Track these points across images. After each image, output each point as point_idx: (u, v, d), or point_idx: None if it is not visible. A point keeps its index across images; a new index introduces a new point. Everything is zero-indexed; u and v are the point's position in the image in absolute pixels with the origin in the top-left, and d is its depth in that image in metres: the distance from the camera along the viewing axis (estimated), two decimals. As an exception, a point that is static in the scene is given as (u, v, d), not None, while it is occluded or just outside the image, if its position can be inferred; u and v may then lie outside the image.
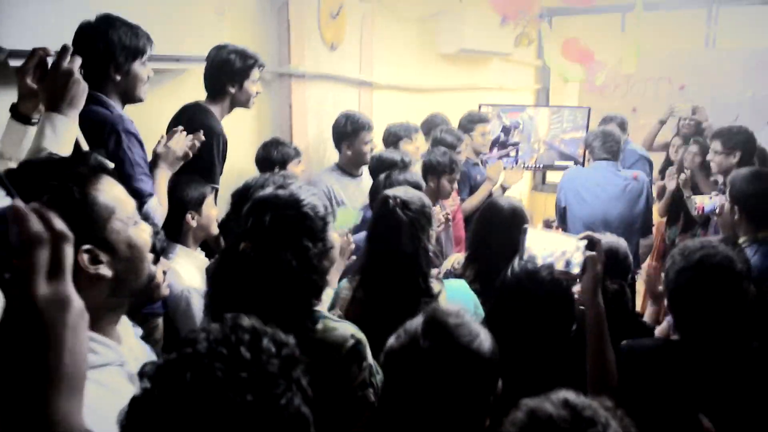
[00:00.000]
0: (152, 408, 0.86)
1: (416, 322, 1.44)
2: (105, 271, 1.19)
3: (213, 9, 3.48)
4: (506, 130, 5.95)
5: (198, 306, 2.51)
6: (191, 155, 2.67)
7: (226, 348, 0.89)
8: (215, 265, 1.75)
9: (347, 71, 4.60)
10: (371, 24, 4.81)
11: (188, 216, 2.68)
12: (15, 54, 2.63)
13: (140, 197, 2.31)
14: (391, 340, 1.46)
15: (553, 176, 7.03)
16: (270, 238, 1.63)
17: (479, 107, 5.70)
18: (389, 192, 2.24)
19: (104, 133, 2.28)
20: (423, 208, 2.20)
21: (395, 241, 2.13)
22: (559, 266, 1.91)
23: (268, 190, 1.76)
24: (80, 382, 0.78)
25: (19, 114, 1.85)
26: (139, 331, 1.87)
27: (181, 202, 2.66)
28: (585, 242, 1.90)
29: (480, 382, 1.39)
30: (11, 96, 1.91)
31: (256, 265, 1.61)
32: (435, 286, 2.18)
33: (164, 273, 2.09)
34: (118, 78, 2.37)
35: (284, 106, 4.16)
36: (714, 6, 6.17)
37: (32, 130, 1.83)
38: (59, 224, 0.76)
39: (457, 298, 2.27)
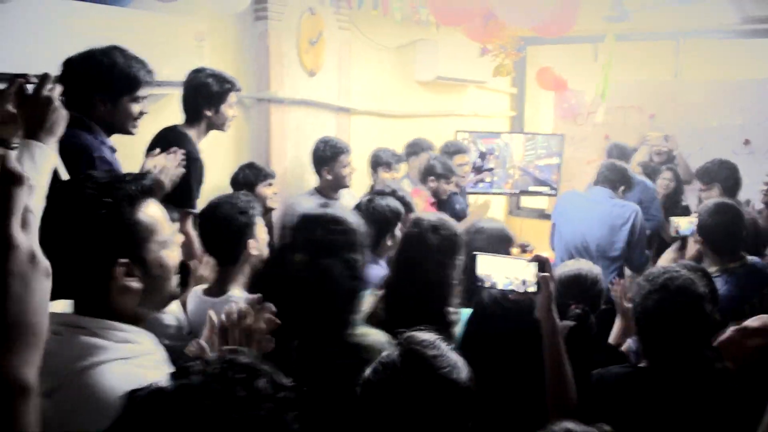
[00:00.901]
0: None
1: (393, 354, 1.45)
2: (136, 284, 1.29)
3: (193, 35, 3.55)
4: (482, 156, 6.06)
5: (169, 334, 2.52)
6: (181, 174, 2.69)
7: (222, 384, 0.86)
8: (257, 275, 1.96)
9: (325, 97, 4.68)
10: (349, 51, 4.90)
11: None
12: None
13: None
14: (368, 372, 1.46)
15: (527, 201, 7.14)
16: (321, 251, 1.80)
17: (456, 134, 5.81)
18: (422, 215, 2.33)
19: (79, 160, 2.27)
20: (453, 236, 2.24)
21: (421, 266, 2.19)
22: (519, 290, 1.99)
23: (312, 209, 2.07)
24: (34, 336, 0.72)
25: None
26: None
27: None
28: (536, 263, 1.96)
29: (459, 412, 1.41)
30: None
31: (305, 275, 1.76)
32: (453, 316, 2.24)
33: None
34: (106, 108, 2.41)
35: (263, 130, 4.22)
36: (681, 38, 6.35)
37: (11, 155, 1.85)
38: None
39: None
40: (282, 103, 4.26)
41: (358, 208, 2.99)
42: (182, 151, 2.72)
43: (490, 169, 6.09)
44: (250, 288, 2.08)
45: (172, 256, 1.38)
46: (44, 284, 0.74)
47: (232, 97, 3.15)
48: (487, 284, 2.04)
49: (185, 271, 2.83)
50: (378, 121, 5.42)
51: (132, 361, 1.28)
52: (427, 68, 5.79)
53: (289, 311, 1.56)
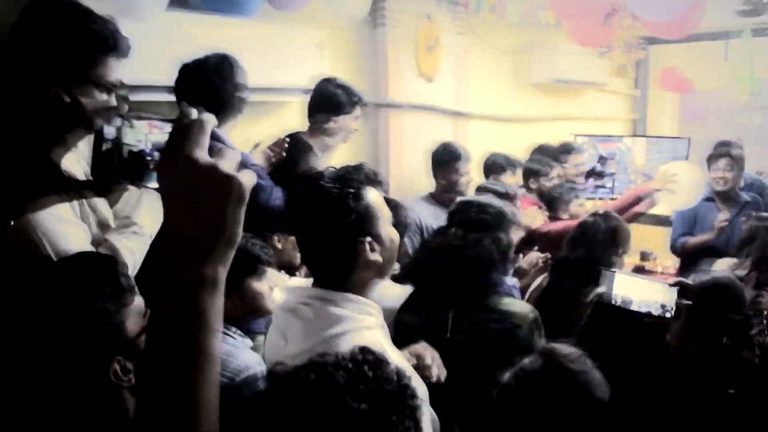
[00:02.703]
0: (275, 401, 0.92)
1: (536, 363, 1.44)
2: (377, 258, 1.49)
3: (313, 43, 3.61)
4: (602, 161, 5.85)
5: None
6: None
7: (352, 363, 0.94)
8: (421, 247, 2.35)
9: (442, 102, 4.65)
10: (466, 56, 4.86)
11: (275, 238, 2.68)
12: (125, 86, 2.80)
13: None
14: (507, 377, 1.46)
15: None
16: (474, 228, 2.17)
17: (574, 138, 5.63)
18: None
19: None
20: (500, 215, 2.32)
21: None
22: (655, 312, 1.89)
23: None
24: (229, 243, 0.78)
25: None
26: (249, 342, 1.93)
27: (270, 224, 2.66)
28: (677, 288, 1.86)
29: (595, 429, 1.38)
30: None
31: (460, 245, 2.12)
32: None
33: (271, 289, 2.12)
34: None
35: (381, 136, 4.23)
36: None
37: None
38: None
39: None
40: (399, 108, 4.27)
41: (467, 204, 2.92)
42: (284, 139, 2.86)
43: (612, 174, 5.86)
44: (411, 263, 2.40)
45: (395, 232, 1.57)
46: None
47: (357, 110, 3.16)
48: (620, 303, 1.94)
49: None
50: (495, 126, 5.34)
51: (373, 331, 1.47)
52: (545, 71, 5.68)
53: (446, 282, 2.08)
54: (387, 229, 1.52)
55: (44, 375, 1.19)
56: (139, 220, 1.74)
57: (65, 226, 1.57)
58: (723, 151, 4.28)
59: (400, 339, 1.84)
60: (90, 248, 1.60)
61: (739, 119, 6.22)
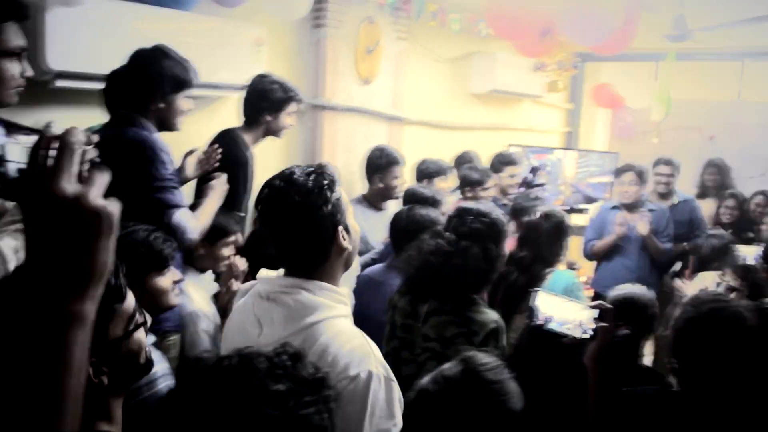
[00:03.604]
0: (202, 386, 0.98)
1: (455, 370, 1.50)
2: (349, 245, 1.60)
3: (252, 40, 3.61)
4: (533, 171, 5.99)
5: (204, 329, 2.57)
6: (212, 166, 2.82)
7: (273, 353, 1.03)
8: (416, 249, 2.36)
9: (379, 106, 4.70)
10: (405, 61, 4.92)
11: (198, 245, 2.64)
12: (62, 75, 2.76)
13: (163, 207, 2.37)
14: (426, 381, 1.52)
15: (577, 218, 7.03)
16: (466, 235, 2.24)
17: (508, 147, 5.76)
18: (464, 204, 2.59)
19: (141, 151, 2.36)
20: (495, 225, 2.36)
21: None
22: (576, 334, 1.93)
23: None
24: (98, 274, 0.73)
25: None
26: (152, 338, 1.90)
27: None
28: (596, 311, 1.91)
29: None
30: (56, 116, 2.00)
31: (449, 250, 2.22)
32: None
33: (175, 282, 2.08)
34: (161, 105, 2.46)
35: (315, 136, 4.26)
36: (746, 59, 6.19)
37: None
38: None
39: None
40: (335, 110, 4.29)
41: (398, 216, 2.99)
42: (219, 150, 2.83)
43: (541, 185, 6.00)
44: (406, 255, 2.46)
45: (357, 225, 1.67)
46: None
47: (292, 106, 3.20)
48: (542, 321, 1.99)
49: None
50: (431, 132, 5.42)
51: (346, 319, 1.57)
52: (483, 81, 5.79)
53: (430, 278, 2.22)
54: (352, 221, 1.63)
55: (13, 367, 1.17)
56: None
57: None
58: (627, 167, 4.71)
59: (391, 317, 2.35)
60: None
61: (663, 137, 6.47)
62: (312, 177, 1.55)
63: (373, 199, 4.00)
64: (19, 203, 0.76)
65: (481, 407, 1.44)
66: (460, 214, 2.35)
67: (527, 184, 5.89)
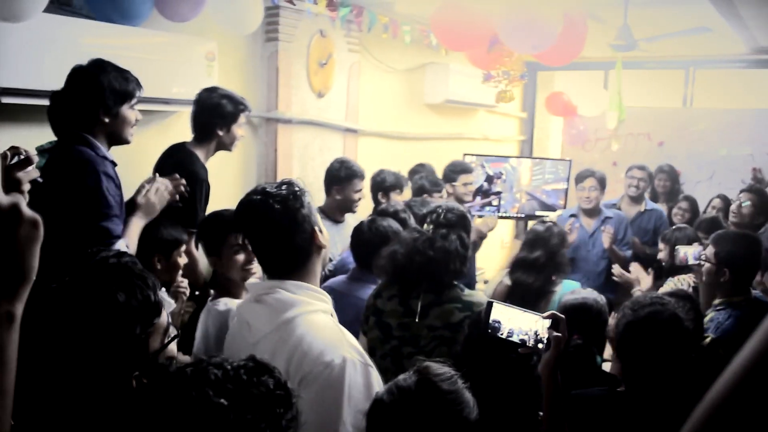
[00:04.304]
0: (157, 391, 1.04)
1: (410, 381, 1.50)
2: (325, 242, 1.79)
3: (204, 54, 3.59)
4: (489, 180, 6.06)
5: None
6: (177, 198, 2.70)
7: (232, 366, 1.07)
8: (399, 244, 2.56)
9: (333, 118, 4.71)
10: (359, 73, 4.94)
11: (154, 259, 2.61)
12: (7, 92, 2.72)
13: (108, 236, 2.35)
14: (382, 392, 1.53)
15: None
16: (443, 224, 2.50)
17: (464, 156, 5.82)
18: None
19: (86, 172, 2.33)
20: (463, 217, 2.62)
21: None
22: (530, 344, 1.93)
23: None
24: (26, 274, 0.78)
25: None
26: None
27: (151, 243, 2.61)
28: (550, 321, 1.92)
29: None
30: (5, 132, 1.96)
31: (434, 239, 2.46)
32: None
33: None
34: (107, 120, 2.42)
35: (270, 150, 4.25)
36: (691, 67, 6.38)
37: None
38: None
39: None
40: (290, 123, 4.29)
41: (360, 227, 3.00)
42: (183, 182, 2.73)
43: (498, 193, 6.07)
44: (388, 256, 2.59)
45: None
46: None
47: (242, 117, 3.18)
48: (498, 332, 2.00)
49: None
50: (386, 143, 5.45)
51: (324, 315, 1.73)
52: (436, 91, 5.85)
53: (417, 271, 2.42)
54: (321, 223, 1.81)
55: (67, 385, 1.23)
56: None
57: None
58: (588, 173, 4.87)
59: (377, 322, 2.51)
60: None
61: (613, 145, 6.61)
62: (284, 187, 1.75)
63: (331, 212, 3.99)
64: None
65: (436, 417, 1.45)
66: (434, 210, 2.62)
67: (484, 192, 5.96)
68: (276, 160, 4.23)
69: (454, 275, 2.47)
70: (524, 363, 1.98)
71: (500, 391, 1.95)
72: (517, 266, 3.43)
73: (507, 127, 7.30)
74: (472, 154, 6.02)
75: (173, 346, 1.37)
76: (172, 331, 1.35)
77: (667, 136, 6.42)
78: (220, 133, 3.11)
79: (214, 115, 3.09)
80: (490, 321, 1.97)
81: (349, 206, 3.98)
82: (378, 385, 1.63)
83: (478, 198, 5.76)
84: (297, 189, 1.75)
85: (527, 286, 3.27)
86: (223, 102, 3.10)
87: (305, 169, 4.38)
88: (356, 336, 2.30)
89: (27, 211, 0.76)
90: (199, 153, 3.10)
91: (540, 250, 3.35)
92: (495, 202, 6.06)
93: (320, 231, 1.78)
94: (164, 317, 1.33)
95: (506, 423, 1.92)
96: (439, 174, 4.81)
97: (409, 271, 2.47)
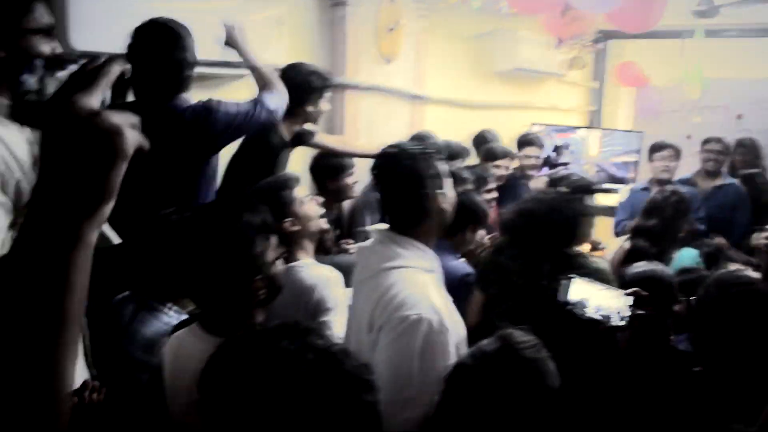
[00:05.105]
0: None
1: (493, 346, 1.51)
2: (446, 208, 1.87)
3: (273, 18, 3.58)
4: (556, 150, 5.95)
5: None
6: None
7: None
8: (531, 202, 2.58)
9: (401, 85, 4.66)
10: (427, 39, 4.87)
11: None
12: (84, 55, 2.76)
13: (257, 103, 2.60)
14: (465, 356, 1.55)
15: (604, 198, 6.97)
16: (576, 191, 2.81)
17: (531, 126, 5.71)
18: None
19: (207, 113, 2.47)
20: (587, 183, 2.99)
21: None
22: (612, 321, 1.88)
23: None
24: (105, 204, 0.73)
25: None
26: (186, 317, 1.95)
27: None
28: (632, 298, 1.87)
29: (543, 418, 1.44)
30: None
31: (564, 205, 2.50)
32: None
33: None
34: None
35: (337, 116, 4.23)
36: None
37: None
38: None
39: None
40: (357, 89, 4.27)
41: None
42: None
43: (564, 164, 5.96)
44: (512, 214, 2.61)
45: (453, 193, 1.94)
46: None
47: (328, 92, 3.19)
48: (577, 308, 1.95)
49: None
50: (452, 111, 5.37)
51: (422, 275, 1.78)
52: (505, 60, 5.72)
53: (542, 234, 2.40)
54: (450, 190, 1.88)
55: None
56: None
57: None
58: (665, 144, 4.72)
59: (499, 279, 2.48)
60: (6, 231, 1.60)
61: (690, 117, 6.37)
62: (419, 147, 1.87)
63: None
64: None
65: (518, 383, 1.44)
66: (564, 176, 2.95)
67: (550, 163, 5.85)
68: (342, 127, 4.22)
69: (581, 240, 2.57)
70: (604, 340, 1.93)
71: (578, 364, 1.90)
72: (635, 233, 3.49)
73: (576, 97, 7.11)
74: (540, 124, 5.91)
75: (281, 263, 1.69)
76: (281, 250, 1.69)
77: (746, 109, 6.14)
78: (307, 108, 3.13)
79: (301, 90, 3.08)
80: (570, 297, 1.93)
81: None
82: (456, 347, 1.68)
83: (545, 170, 5.66)
84: (430, 151, 1.86)
85: (643, 252, 3.26)
86: (310, 78, 3.10)
87: (371, 136, 4.35)
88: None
89: (109, 121, 0.70)
90: (282, 126, 3.10)
91: (656, 218, 3.39)
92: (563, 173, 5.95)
93: (444, 197, 1.85)
94: (275, 238, 1.64)
95: (584, 396, 1.87)
96: (506, 144, 4.74)
97: (539, 233, 2.46)
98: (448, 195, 1.86)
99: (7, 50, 1.65)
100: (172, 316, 1.99)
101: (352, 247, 3.23)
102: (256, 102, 2.61)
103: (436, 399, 1.56)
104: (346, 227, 3.73)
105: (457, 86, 5.42)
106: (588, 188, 2.69)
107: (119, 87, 0.79)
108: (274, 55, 3.20)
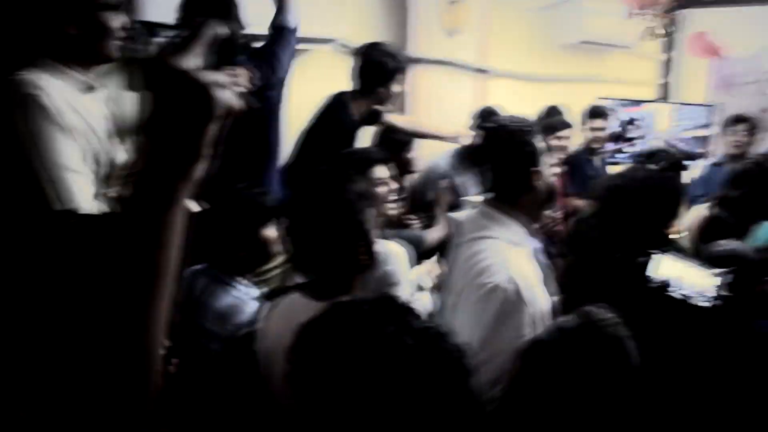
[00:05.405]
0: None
1: (572, 323, 1.47)
2: (541, 186, 1.93)
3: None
4: (623, 125, 5.78)
5: None
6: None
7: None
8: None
9: (465, 58, 4.61)
10: (491, 12, 4.78)
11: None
12: (159, 26, 2.80)
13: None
14: (542, 332, 1.53)
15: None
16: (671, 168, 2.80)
17: (597, 100, 5.56)
18: None
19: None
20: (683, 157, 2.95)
21: None
22: (700, 300, 1.84)
23: None
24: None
25: None
26: (255, 292, 1.98)
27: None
28: (720, 278, 1.81)
29: (623, 399, 1.40)
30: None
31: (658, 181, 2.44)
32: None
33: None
34: None
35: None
36: None
37: None
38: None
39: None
40: (420, 62, 4.22)
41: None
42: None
43: (631, 139, 5.79)
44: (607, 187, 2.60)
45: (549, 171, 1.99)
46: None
47: (403, 74, 3.19)
48: (662, 286, 1.88)
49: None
50: (516, 84, 5.27)
51: (515, 248, 1.85)
52: (571, 32, 5.58)
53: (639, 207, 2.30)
54: (547, 170, 1.94)
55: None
56: None
57: (70, 175, 1.61)
58: (741, 117, 4.58)
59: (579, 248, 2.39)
60: (92, 201, 1.65)
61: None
62: (519, 123, 1.93)
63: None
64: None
65: (599, 361, 1.40)
66: (660, 150, 2.91)
67: (617, 138, 5.69)
68: (406, 101, 4.18)
69: (673, 217, 2.51)
70: (687, 320, 1.87)
71: (659, 344, 1.84)
72: (719, 202, 3.38)
73: (644, 70, 6.87)
74: (606, 98, 5.75)
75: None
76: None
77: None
78: (380, 89, 3.13)
79: (376, 72, 3.10)
80: (657, 274, 1.87)
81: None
82: (534, 319, 1.70)
83: (611, 144, 5.51)
84: (529, 128, 1.92)
85: (722, 222, 3.20)
86: (386, 60, 3.10)
87: (434, 109, 4.32)
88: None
89: (205, 78, 0.71)
90: (354, 105, 3.13)
91: (743, 188, 3.24)
92: (629, 149, 5.79)
93: (542, 172, 1.90)
94: (373, 209, 1.69)
95: (663, 378, 1.82)
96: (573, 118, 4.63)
97: (630, 207, 2.41)
98: (545, 171, 1.92)
99: (80, 26, 1.68)
100: (241, 290, 2.02)
101: (415, 222, 3.22)
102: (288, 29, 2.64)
103: (507, 368, 1.60)
104: (408, 203, 3.72)
105: (521, 59, 5.32)
106: (681, 164, 2.61)
107: (225, 51, 0.79)
108: (338, 30, 3.19)
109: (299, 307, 1.59)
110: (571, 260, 2.44)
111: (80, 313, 0.77)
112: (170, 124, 0.70)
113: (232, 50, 0.80)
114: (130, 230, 0.71)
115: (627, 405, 1.39)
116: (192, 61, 0.71)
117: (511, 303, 1.69)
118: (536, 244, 2.03)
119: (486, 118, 3.84)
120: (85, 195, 1.61)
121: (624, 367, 1.39)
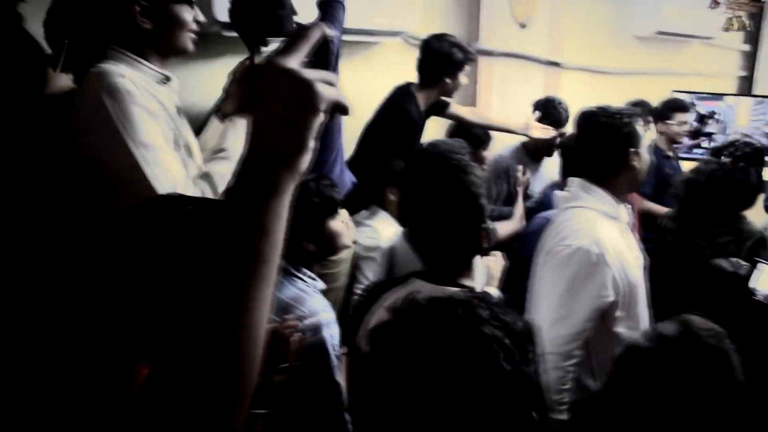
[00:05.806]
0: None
1: (672, 330, 1.40)
2: (638, 166, 2.12)
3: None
4: (701, 120, 5.58)
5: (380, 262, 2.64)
6: None
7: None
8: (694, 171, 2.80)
9: (536, 51, 4.53)
10: (563, 3, 4.68)
11: (387, 190, 2.73)
12: (225, 26, 2.83)
13: None
14: (639, 338, 1.46)
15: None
16: (741, 159, 2.69)
17: (672, 94, 5.37)
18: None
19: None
20: (759, 151, 2.80)
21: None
22: None
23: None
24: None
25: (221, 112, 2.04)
26: (320, 285, 1.98)
27: (385, 174, 2.72)
28: None
29: (724, 412, 1.33)
30: (228, 64, 2.06)
31: (730, 174, 2.69)
32: None
33: (346, 225, 2.23)
34: None
35: (470, 82, 4.14)
36: None
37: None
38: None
39: None
40: (491, 55, 4.16)
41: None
42: None
43: (710, 134, 5.58)
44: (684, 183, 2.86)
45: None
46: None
47: (468, 66, 3.18)
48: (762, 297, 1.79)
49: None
50: (589, 77, 5.14)
51: (606, 220, 2.03)
52: (647, 22, 5.41)
53: (712, 200, 2.65)
54: (644, 153, 2.12)
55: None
56: (226, 145, 1.86)
57: (162, 155, 1.64)
58: None
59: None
60: (186, 177, 1.68)
61: None
62: (616, 109, 2.10)
63: (534, 150, 3.84)
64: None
65: (702, 372, 1.33)
66: (729, 144, 2.83)
67: (694, 133, 5.49)
68: (476, 94, 4.14)
69: (743, 206, 2.68)
70: None
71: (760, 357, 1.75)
72: None
73: (724, 62, 6.61)
74: (682, 91, 5.55)
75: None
76: None
77: None
78: (447, 80, 3.12)
79: (443, 63, 3.10)
80: (758, 285, 1.78)
81: (549, 150, 3.80)
82: (613, 279, 1.91)
83: (687, 139, 5.32)
84: (626, 112, 2.08)
85: None
86: (452, 51, 3.10)
87: (505, 103, 4.25)
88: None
89: (305, 74, 0.74)
90: (420, 96, 3.13)
91: None
92: (705, 144, 5.58)
93: (639, 154, 2.07)
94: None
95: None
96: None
97: (705, 201, 2.66)
98: (642, 155, 2.08)
99: (154, 20, 1.72)
100: (308, 281, 2.02)
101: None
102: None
103: (589, 325, 1.87)
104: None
105: (594, 52, 5.17)
106: (757, 156, 2.63)
107: (321, 52, 0.84)
108: (408, 22, 3.17)
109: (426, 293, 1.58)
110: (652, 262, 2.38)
111: (180, 298, 0.80)
112: (276, 116, 0.73)
113: (328, 53, 0.85)
114: (233, 216, 0.73)
115: (728, 423, 1.32)
116: (294, 61, 0.76)
117: (593, 264, 1.88)
118: (631, 219, 2.16)
119: (547, 106, 3.77)
120: (180, 174, 1.67)
121: (728, 382, 1.32)
